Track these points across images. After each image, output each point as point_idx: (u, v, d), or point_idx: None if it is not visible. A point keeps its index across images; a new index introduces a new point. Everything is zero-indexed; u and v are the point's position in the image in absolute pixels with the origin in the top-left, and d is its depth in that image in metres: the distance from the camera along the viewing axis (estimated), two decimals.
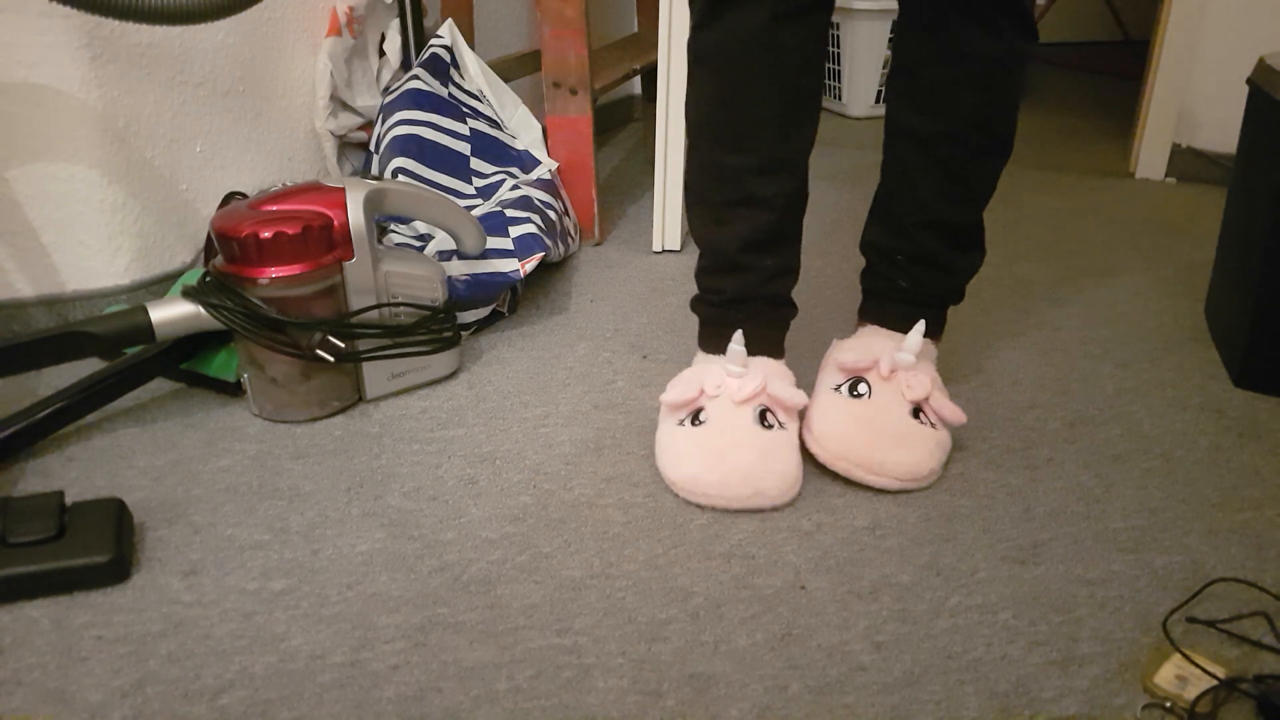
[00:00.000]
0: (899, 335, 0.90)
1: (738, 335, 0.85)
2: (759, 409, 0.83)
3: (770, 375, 0.85)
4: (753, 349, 0.88)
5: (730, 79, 0.80)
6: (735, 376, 0.84)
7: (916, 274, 0.90)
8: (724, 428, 0.82)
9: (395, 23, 1.37)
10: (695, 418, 0.84)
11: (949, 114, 0.82)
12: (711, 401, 0.83)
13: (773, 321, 0.90)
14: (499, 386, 1.01)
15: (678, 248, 1.40)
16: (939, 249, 0.89)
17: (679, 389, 0.85)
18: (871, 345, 0.89)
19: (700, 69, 0.82)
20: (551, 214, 1.24)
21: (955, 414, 0.85)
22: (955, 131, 0.83)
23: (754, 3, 0.77)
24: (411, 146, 1.21)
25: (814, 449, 0.85)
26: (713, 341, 0.90)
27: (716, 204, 0.85)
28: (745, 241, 0.85)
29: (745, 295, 0.88)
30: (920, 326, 0.87)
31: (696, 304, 0.92)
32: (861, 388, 0.85)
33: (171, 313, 0.89)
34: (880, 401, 0.84)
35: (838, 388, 0.87)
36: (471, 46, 1.39)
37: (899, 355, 0.86)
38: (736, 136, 0.82)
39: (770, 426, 0.82)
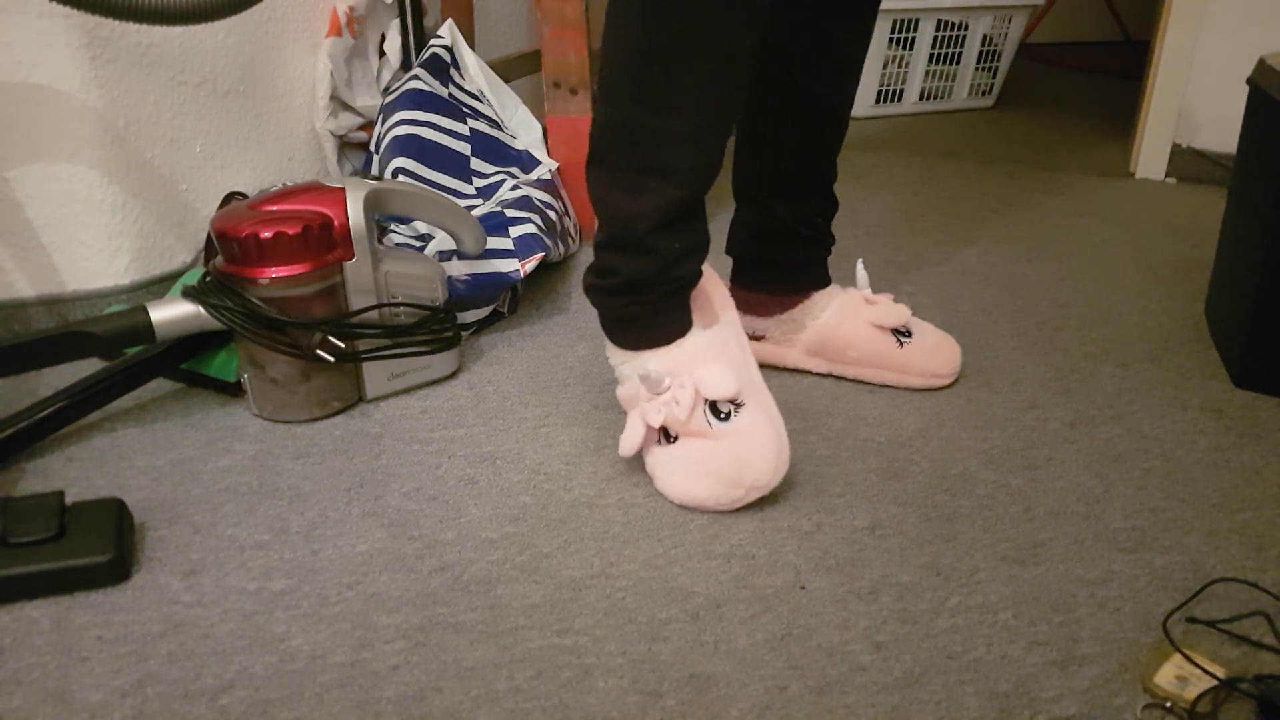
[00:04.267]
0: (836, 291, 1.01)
1: (644, 366, 0.81)
2: (707, 406, 0.80)
3: (697, 375, 0.80)
4: (664, 337, 0.82)
5: (676, 28, 0.72)
6: (666, 403, 0.80)
7: (829, 230, 1.01)
8: (689, 440, 0.81)
9: (395, 23, 1.37)
10: (666, 435, 0.82)
11: (853, 83, 0.95)
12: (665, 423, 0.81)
13: (677, 304, 0.84)
14: (499, 386, 1.01)
15: None
16: (834, 201, 1.00)
17: (628, 439, 0.82)
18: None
19: (641, 14, 0.73)
20: (552, 214, 1.24)
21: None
22: (850, 96, 0.96)
23: None
24: (412, 146, 1.21)
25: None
26: (623, 335, 0.85)
27: (627, 170, 0.78)
28: (655, 221, 0.78)
29: (642, 281, 0.81)
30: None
31: (590, 292, 0.85)
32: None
33: (171, 313, 0.89)
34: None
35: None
36: (471, 46, 1.39)
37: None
38: (668, 94, 0.74)
39: (725, 416, 0.80)
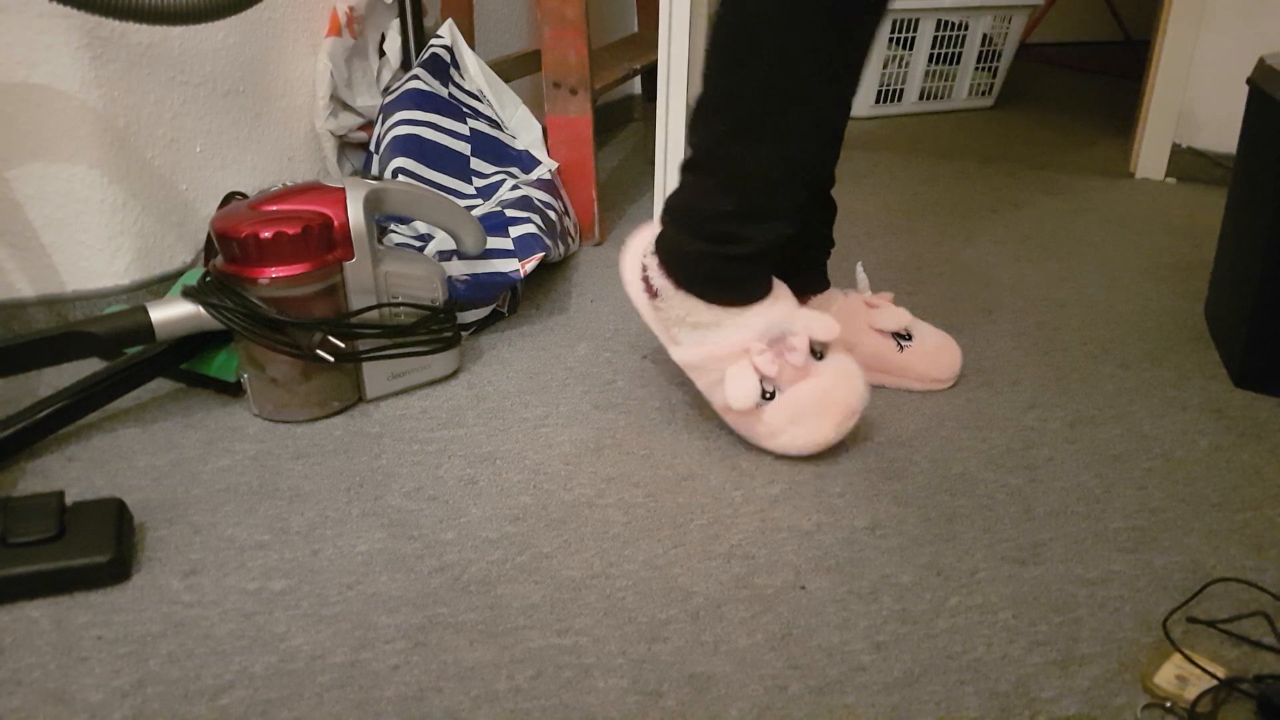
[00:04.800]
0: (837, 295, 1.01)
1: (757, 321, 0.84)
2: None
3: (804, 321, 0.85)
4: (766, 291, 0.85)
5: None
6: (782, 351, 0.84)
7: (827, 234, 1.01)
8: (797, 386, 0.85)
9: (395, 23, 1.37)
10: (762, 393, 0.85)
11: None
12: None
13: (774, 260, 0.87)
14: (499, 386, 1.01)
15: None
16: (833, 205, 1.01)
17: (746, 388, 0.83)
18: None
19: None
20: (551, 214, 1.24)
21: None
22: (848, 106, 0.92)
23: None
24: (411, 146, 1.21)
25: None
26: (729, 294, 0.84)
27: (787, 136, 0.77)
28: (795, 188, 0.80)
29: (778, 242, 0.82)
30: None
31: (708, 260, 0.83)
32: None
33: (171, 313, 0.89)
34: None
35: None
36: (471, 46, 1.39)
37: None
38: (807, 39, 0.73)
39: (820, 354, 0.87)
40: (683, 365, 0.88)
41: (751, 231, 0.81)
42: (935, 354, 0.99)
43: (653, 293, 0.87)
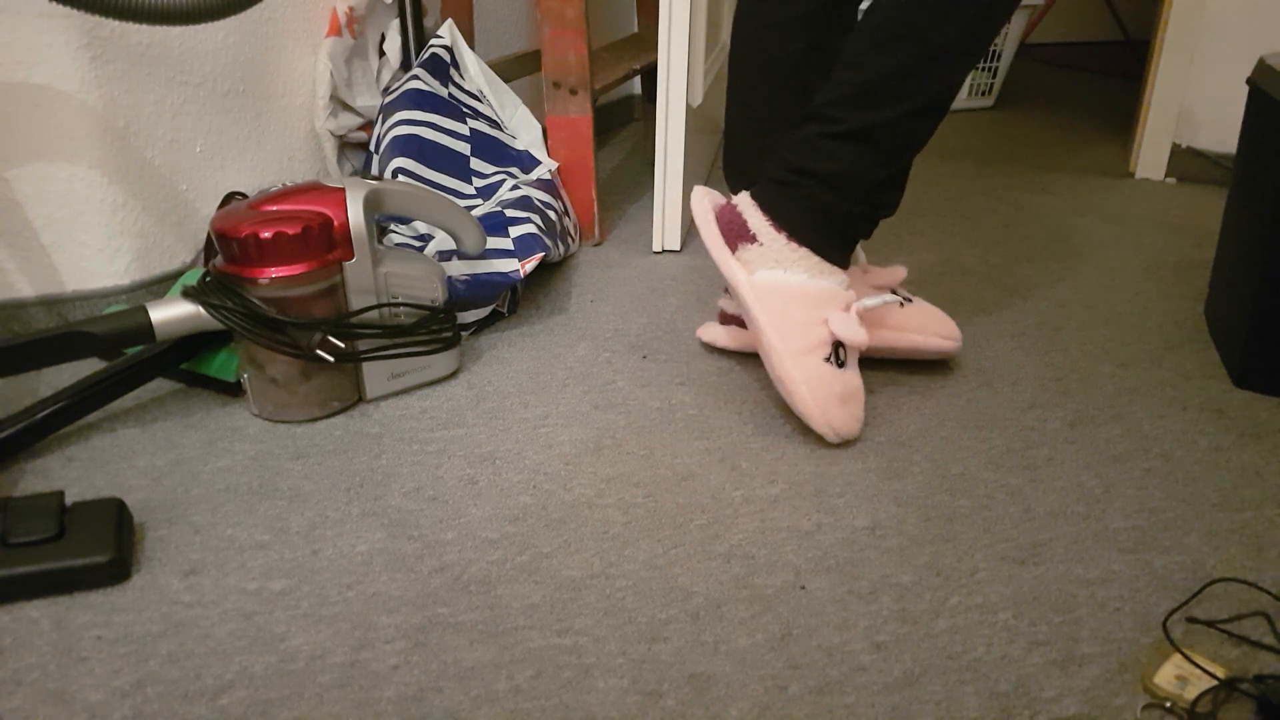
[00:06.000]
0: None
1: (855, 306, 0.91)
2: None
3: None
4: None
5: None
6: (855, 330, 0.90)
7: None
8: (854, 371, 0.91)
9: (395, 23, 1.37)
10: (838, 356, 0.90)
11: None
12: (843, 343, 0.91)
13: None
14: (499, 386, 1.01)
15: (678, 248, 1.40)
16: None
17: (853, 332, 0.89)
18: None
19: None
20: (551, 214, 1.24)
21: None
22: None
23: None
24: (411, 146, 1.21)
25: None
26: (838, 253, 0.93)
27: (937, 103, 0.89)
28: (930, 138, 0.91)
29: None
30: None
31: (856, 220, 0.92)
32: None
33: (171, 313, 0.89)
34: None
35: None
36: (471, 46, 1.39)
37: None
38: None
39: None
40: (768, 290, 0.91)
41: (895, 197, 0.94)
42: (937, 315, 1.02)
43: (749, 237, 0.93)
